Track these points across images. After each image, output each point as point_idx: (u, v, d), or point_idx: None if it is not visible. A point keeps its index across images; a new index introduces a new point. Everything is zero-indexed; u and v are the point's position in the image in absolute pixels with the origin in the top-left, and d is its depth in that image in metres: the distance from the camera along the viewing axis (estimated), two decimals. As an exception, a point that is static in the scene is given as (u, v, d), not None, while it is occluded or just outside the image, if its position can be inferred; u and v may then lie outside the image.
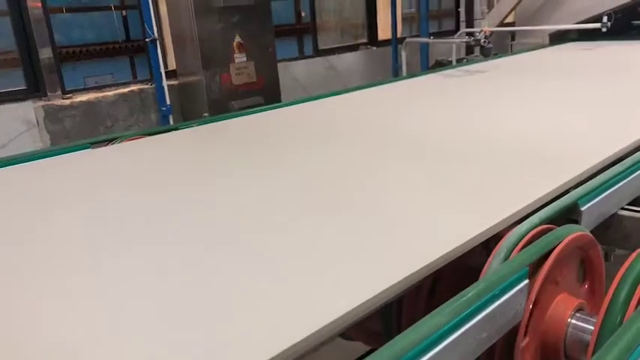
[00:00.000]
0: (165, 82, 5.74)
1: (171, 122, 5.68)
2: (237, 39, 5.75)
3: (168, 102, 5.77)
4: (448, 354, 0.77)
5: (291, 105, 2.63)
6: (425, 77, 3.41)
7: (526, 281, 0.88)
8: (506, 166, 1.37)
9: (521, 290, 0.87)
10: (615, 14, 4.24)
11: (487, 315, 0.81)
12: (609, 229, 1.30)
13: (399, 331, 0.75)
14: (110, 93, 5.75)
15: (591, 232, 1.10)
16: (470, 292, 0.81)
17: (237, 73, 5.76)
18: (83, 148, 1.91)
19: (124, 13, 5.98)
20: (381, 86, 3.11)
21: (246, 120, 2.35)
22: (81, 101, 5.49)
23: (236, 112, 2.64)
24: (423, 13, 6.61)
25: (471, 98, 2.61)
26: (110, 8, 5.81)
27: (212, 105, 5.51)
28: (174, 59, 6.09)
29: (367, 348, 1.29)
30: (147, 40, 5.59)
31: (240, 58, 5.77)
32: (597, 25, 3.84)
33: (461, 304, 0.79)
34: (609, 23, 3.75)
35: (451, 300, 0.79)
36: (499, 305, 0.83)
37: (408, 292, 1.04)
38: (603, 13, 4.20)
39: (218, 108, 5.30)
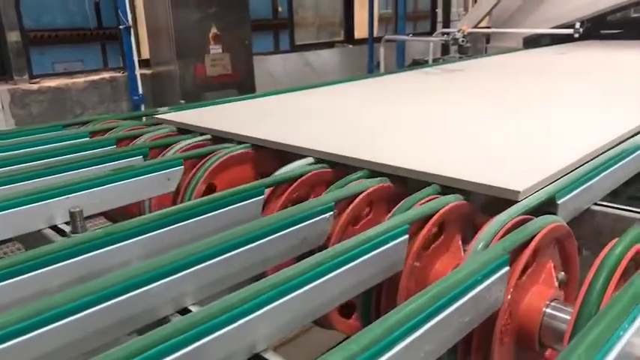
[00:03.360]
0: (137, 71, 5.63)
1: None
2: (214, 30, 5.68)
3: (140, 91, 5.67)
4: (431, 337, 0.77)
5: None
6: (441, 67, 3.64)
7: (507, 268, 0.89)
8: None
9: (502, 277, 0.88)
10: (586, 23, 4.36)
11: (470, 299, 0.82)
12: (581, 224, 1.32)
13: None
14: (80, 80, 5.61)
15: (565, 225, 1.13)
16: (453, 276, 0.81)
17: (212, 64, 5.70)
18: (55, 130, 1.86)
19: (96, -2, 5.85)
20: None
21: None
22: (49, 87, 5.34)
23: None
24: (401, 12, 6.66)
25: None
26: (82, -6, 5.68)
27: (185, 95, 5.44)
28: (147, 48, 5.99)
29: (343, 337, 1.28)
30: (120, 27, 5.47)
31: (215, 49, 5.71)
32: (570, 30, 3.94)
33: (444, 287, 0.79)
34: (581, 29, 3.85)
35: (435, 283, 0.80)
36: (481, 290, 0.84)
37: (387, 280, 1.06)
38: (574, 20, 4.31)
39: (191, 98, 5.23)
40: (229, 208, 1.15)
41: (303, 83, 3.11)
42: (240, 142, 1.63)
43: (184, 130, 1.90)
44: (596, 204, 1.35)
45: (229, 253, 0.96)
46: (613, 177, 1.41)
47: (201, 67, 5.64)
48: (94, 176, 1.32)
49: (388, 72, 3.57)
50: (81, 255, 0.98)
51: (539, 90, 2.62)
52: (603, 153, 1.44)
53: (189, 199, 1.35)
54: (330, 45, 7.98)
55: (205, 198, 1.14)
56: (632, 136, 1.61)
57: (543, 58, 3.96)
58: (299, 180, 1.27)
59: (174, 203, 1.42)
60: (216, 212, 1.13)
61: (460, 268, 0.86)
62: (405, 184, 1.30)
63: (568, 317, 0.95)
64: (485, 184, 1.17)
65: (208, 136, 1.74)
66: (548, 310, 0.98)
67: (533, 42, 4.87)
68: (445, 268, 1.06)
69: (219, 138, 1.73)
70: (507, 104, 2.25)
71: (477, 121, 1.89)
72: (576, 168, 1.32)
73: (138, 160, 1.53)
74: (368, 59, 7.31)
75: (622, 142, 1.55)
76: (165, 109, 2.22)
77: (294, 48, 7.56)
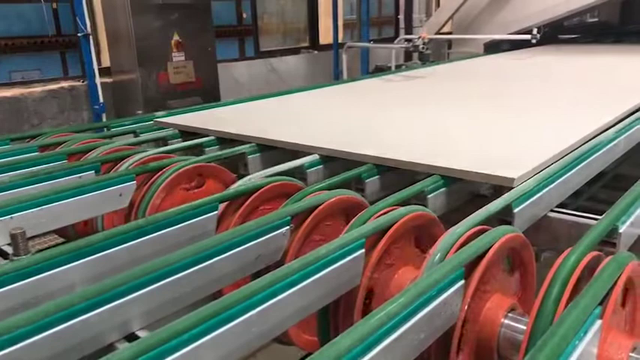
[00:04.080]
0: (98, 80, 5.50)
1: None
2: (176, 37, 5.60)
3: (101, 100, 5.54)
4: (387, 356, 0.75)
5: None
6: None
7: (462, 282, 0.89)
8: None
9: (457, 291, 0.87)
10: (543, 28, 4.47)
11: (424, 315, 0.80)
12: (539, 231, 1.33)
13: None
14: (37, 89, 5.44)
15: (522, 233, 1.13)
16: (407, 292, 0.80)
17: (175, 72, 5.61)
18: (2, 145, 1.78)
19: (54, 5, 5.69)
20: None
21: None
22: (4, 97, 5.16)
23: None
24: (364, 18, 6.70)
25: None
26: (39, 0, 5.51)
27: (148, 104, 5.33)
28: (108, 56, 5.86)
29: (303, 353, 1.26)
30: (79, 35, 5.34)
31: (178, 57, 5.63)
32: (527, 36, 4.02)
33: (399, 304, 0.77)
34: (538, 35, 3.94)
35: (389, 300, 0.78)
36: (436, 306, 0.83)
37: (345, 295, 1.04)
38: (533, 26, 4.41)
39: (154, 107, 5.13)
40: (182, 225, 1.11)
41: (269, 89, 3.09)
42: (243, 143, 1.78)
43: (186, 133, 2.01)
44: (552, 210, 1.37)
45: (179, 274, 0.92)
46: (570, 183, 1.43)
47: (163, 75, 5.55)
48: (41, 194, 1.27)
49: (350, 79, 3.63)
50: (22, 280, 0.93)
51: (496, 94, 2.66)
52: (564, 156, 1.47)
53: (143, 216, 1.31)
54: (295, 51, 7.96)
55: (156, 215, 1.10)
56: (588, 141, 1.64)
57: (501, 63, 4.04)
58: (255, 193, 1.24)
59: (127, 219, 1.38)
60: (167, 230, 1.09)
61: (415, 283, 0.85)
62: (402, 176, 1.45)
63: (524, 327, 0.95)
64: (484, 173, 1.33)
65: (164, 149, 1.70)
66: (506, 322, 0.98)
67: (493, 47, 4.95)
68: (402, 281, 1.05)
69: (225, 140, 1.88)
70: (473, 107, 2.29)
71: (468, 122, 2.03)
72: (533, 175, 1.33)
73: (89, 175, 1.47)
74: (333, 65, 7.33)
75: (578, 147, 1.57)
76: (162, 113, 2.33)
77: (260, 54, 7.52)
